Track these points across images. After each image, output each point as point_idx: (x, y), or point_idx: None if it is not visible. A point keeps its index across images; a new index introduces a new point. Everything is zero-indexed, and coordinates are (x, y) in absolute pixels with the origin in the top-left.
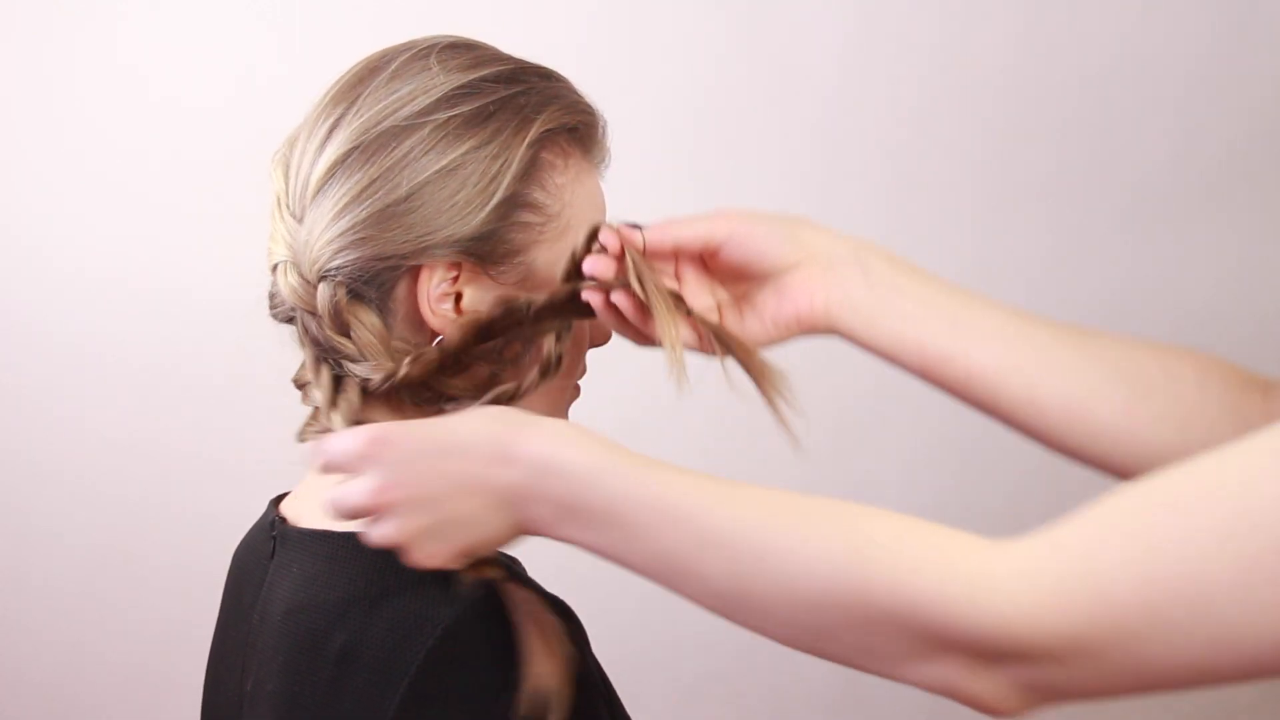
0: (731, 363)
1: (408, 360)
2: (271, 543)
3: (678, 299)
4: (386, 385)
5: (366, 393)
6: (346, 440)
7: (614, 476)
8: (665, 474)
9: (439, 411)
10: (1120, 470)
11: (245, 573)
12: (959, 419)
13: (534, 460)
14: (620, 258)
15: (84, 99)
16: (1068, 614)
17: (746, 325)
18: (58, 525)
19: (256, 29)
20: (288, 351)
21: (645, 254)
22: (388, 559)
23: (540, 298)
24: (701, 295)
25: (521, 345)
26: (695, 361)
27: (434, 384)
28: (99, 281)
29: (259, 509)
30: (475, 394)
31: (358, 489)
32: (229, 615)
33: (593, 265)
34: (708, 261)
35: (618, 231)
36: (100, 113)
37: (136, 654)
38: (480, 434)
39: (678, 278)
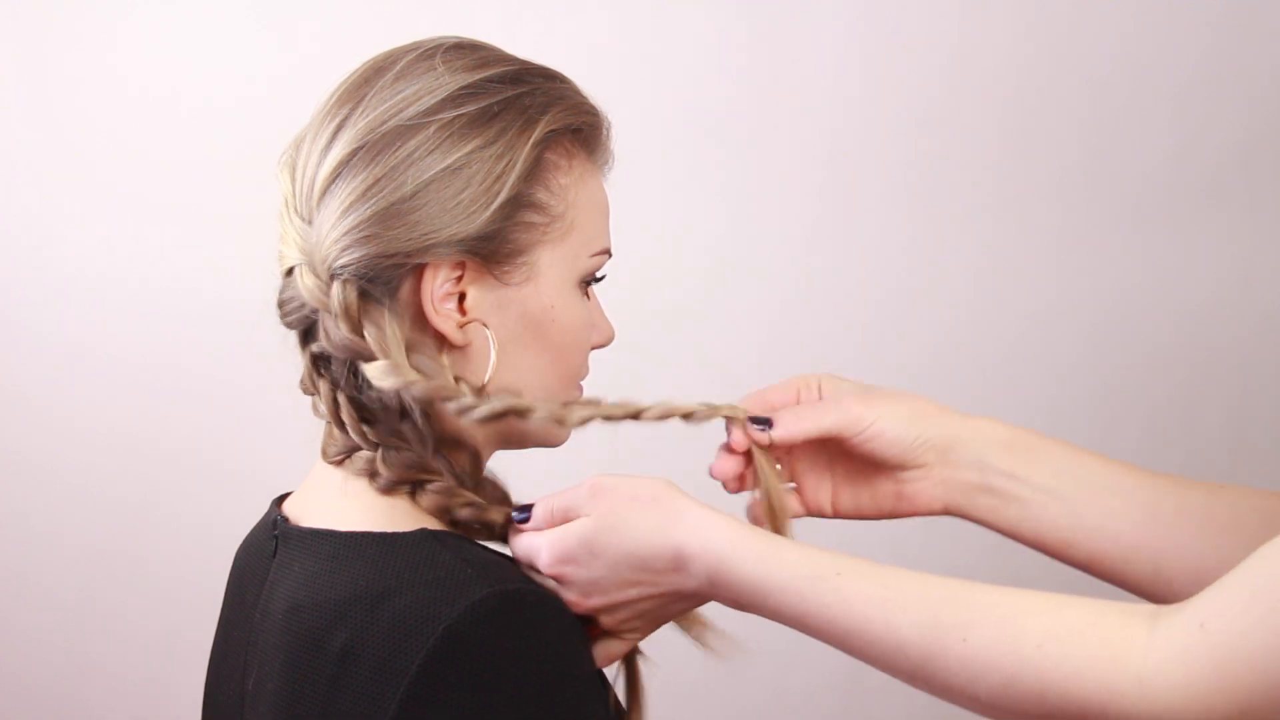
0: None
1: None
2: (273, 542)
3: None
4: (386, 481)
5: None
6: (542, 555)
7: (782, 594)
8: (833, 587)
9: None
10: None
11: (247, 571)
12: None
13: (706, 568)
14: (748, 458)
15: (83, 99)
16: (1229, 695)
17: (858, 499)
18: (57, 527)
19: (257, 31)
20: (288, 354)
21: (772, 447)
22: (389, 558)
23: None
24: (820, 483)
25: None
26: (687, 361)
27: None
28: (99, 283)
29: (258, 512)
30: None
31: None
32: (231, 614)
33: (722, 468)
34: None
35: (746, 432)
36: (99, 113)
37: (136, 657)
38: (651, 545)
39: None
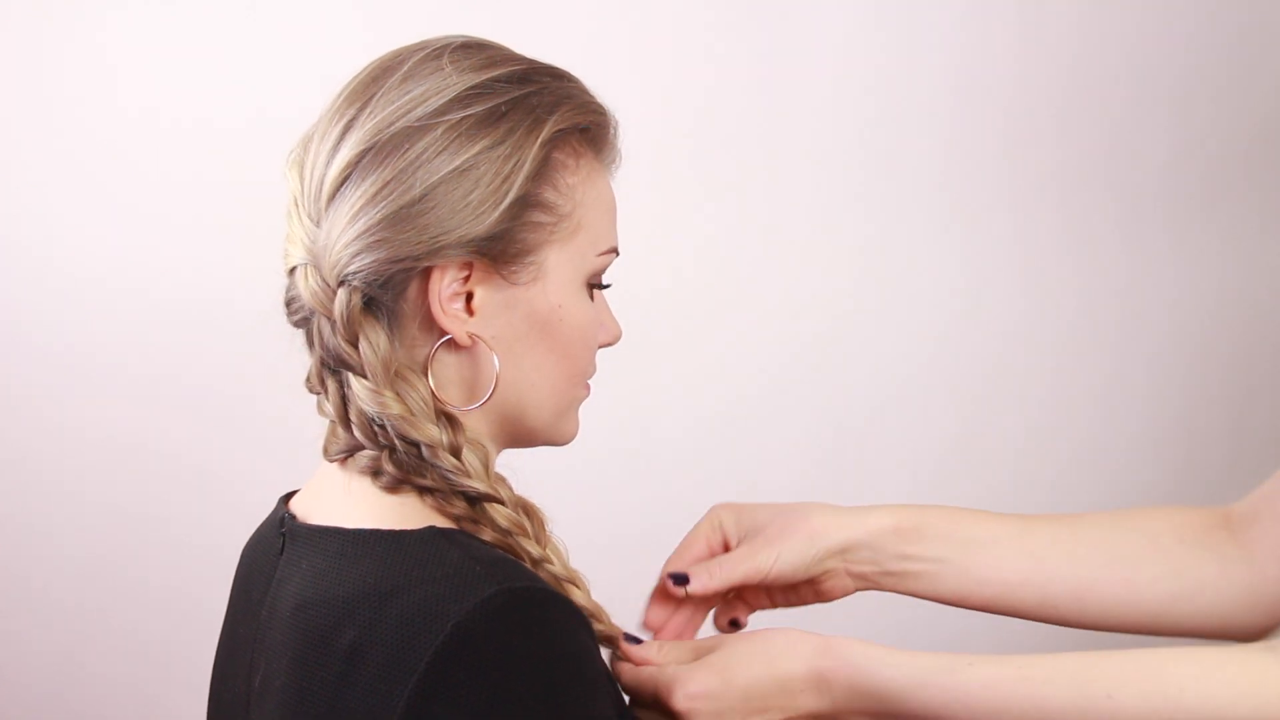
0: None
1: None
2: (281, 539)
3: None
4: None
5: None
6: (659, 689)
7: (924, 689)
8: (973, 675)
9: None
10: (1140, 628)
11: (254, 569)
12: (957, 418)
13: (845, 687)
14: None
15: (83, 109)
16: None
17: (789, 600)
18: (55, 533)
19: (255, 41)
20: (287, 359)
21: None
22: (397, 555)
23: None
24: (756, 591)
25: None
26: (694, 359)
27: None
28: (98, 290)
29: (254, 517)
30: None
31: None
32: (237, 611)
33: (654, 618)
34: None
35: (671, 587)
36: (99, 123)
37: (134, 662)
38: (787, 669)
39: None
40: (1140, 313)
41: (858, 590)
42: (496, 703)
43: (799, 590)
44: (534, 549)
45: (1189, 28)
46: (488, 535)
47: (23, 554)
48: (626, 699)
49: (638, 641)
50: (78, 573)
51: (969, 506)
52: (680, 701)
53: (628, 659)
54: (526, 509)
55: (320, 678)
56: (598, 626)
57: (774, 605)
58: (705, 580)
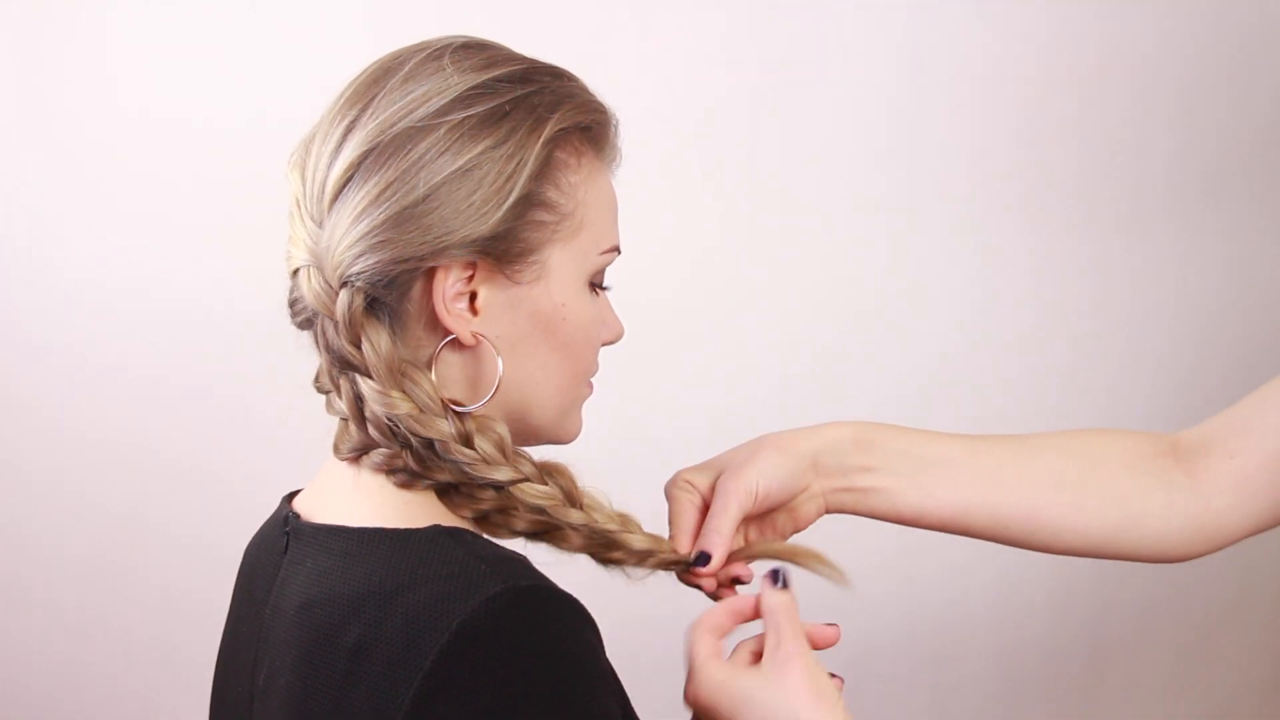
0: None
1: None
2: (285, 538)
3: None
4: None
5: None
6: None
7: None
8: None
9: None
10: (1088, 551)
11: (257, 568)
12: (956, 422)
13: None
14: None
15: (81, 110)
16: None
17: (765, 536)
18: (54, 535)
19: (255, 42)
20: (288, 359)
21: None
22: (402, 554)
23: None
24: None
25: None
26: (693, 358)
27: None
28: (97, 291)
29: (254, 518)
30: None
31: None
32: (240, 610)
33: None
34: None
35: (692, 570)
36: (98, 124)
37: (133, 664)
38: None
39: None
40: (1140, 312)
41: (827, 512)
42: (502, 701)
43: (776, 519)
44: (576, 516)
45: (1195, 27)
46: (521, 524)
47: (23, 554)
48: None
49: (706, 561)
50: (78, 573)
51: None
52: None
53: (696, 580)
54: (553, 471)
55: (325, 676)
56: (662, 555)
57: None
58: (715, 540)
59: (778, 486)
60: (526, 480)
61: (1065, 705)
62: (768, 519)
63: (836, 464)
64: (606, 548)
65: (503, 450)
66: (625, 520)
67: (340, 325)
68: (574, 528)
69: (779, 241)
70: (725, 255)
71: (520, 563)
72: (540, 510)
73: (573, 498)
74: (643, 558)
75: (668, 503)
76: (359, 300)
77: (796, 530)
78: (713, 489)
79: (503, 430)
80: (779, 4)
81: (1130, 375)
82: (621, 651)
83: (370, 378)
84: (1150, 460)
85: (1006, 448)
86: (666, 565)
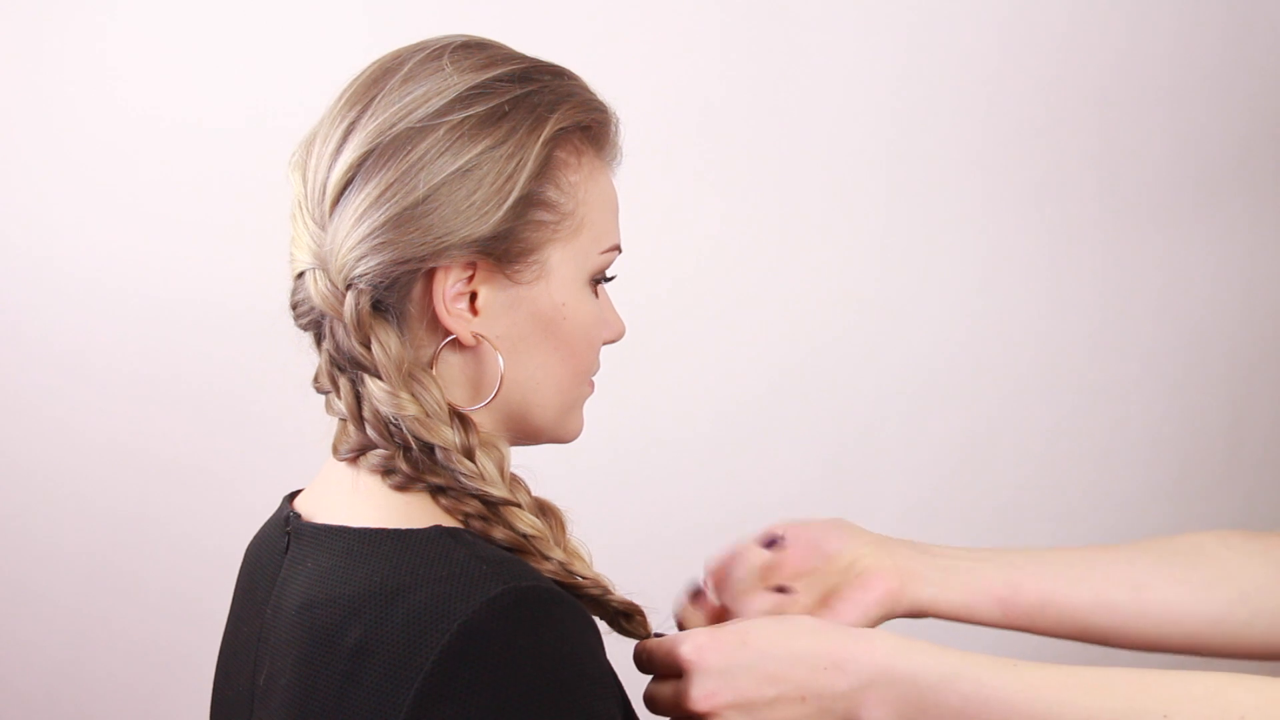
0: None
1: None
2: (286, 538)
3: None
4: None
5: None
6: (668, 646)
7: (968, 682)
8: (1015, 675)
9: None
10: (1201, 639)
11: (258, 568)
12: (956, 421)
13: (873, 669)
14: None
15: (81, 108)
16: None
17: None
18: (53, 535)
19: (254, 40)
20: (289, 359)
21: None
22: (403, 554)
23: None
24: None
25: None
26: (703, 358)
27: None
28: (96, 291)
29: (253, 518)
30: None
31: (683, 692)
32: (241, 610)
33: (690, 618)
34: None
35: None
36: (98, 123)
37: (133, 664)
38: (810, 645)
39: None
40: (1139, 312)
41: (907, 609)
42: (503, 702)
43: (844, 592)
44: (557, 555)
45: (1188, 28)
46: (500, 534)
47: (23, 555)
48: (644, 691)
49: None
50: (78, 573)
51: (961, 501)
52: (688, 651)
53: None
54: (545, 510)
55: (326, 676)
56: (632, 625)
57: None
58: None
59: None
60: (517, 506)
61: None
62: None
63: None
64: (575, 595)
65: (501, 471)
66: (601, 579)
67: (350, 327)
68: (549, 568)
69: (781, 239)
70: (727, 254)
71: (521, 564)
72: (525, 538)
73: (558, 540)
74: (615, 618)
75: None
76: (365, 302)
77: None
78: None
79: (505, 450)
80: (780, 1)
81: (1129, 374)
82: (624, 651)
83: (380, 379)
84: (1250, 540)
85: (1095, 551)
86: (633, 636)
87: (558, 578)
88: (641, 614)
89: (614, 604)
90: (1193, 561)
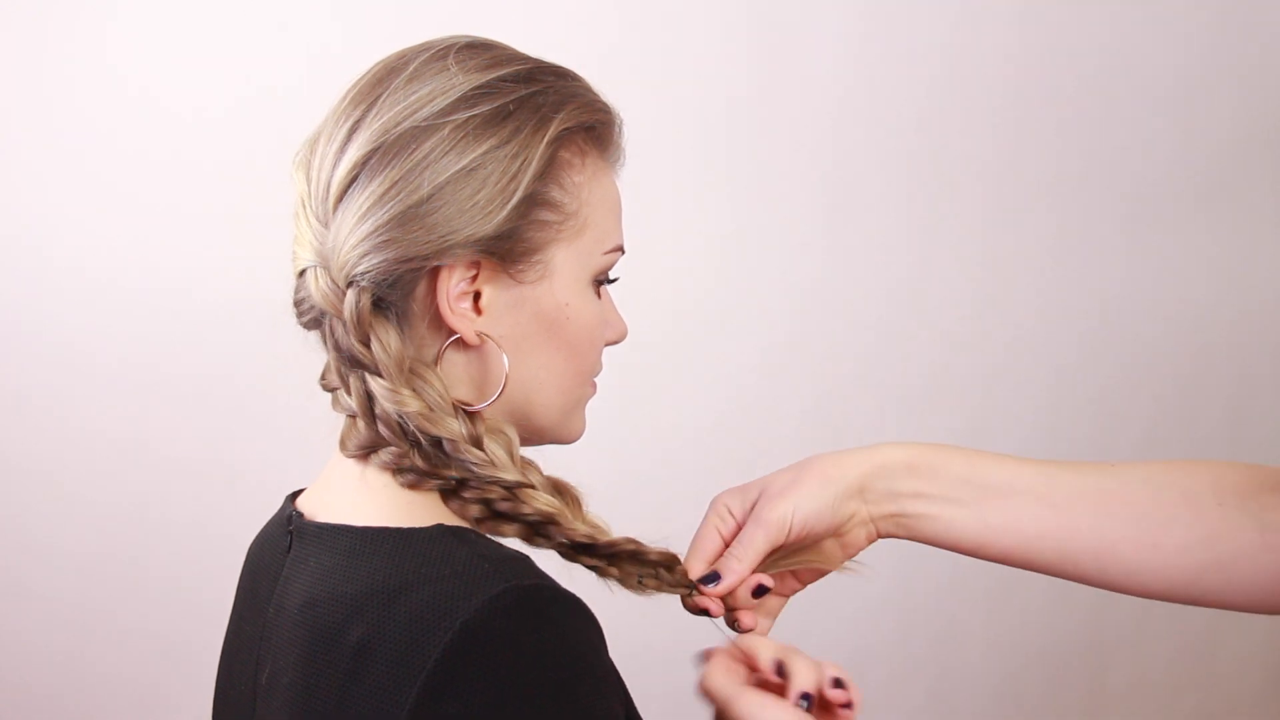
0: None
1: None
2: (288, 537)
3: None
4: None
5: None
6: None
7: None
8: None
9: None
10: (1165, 594)
11: (261, 566)
12: (956, 421)
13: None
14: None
15: (82, 100)
16: None
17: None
18: (55, 530)
19: (256, 32)
20: (292, 357)
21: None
22: (406, 553)
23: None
24: (782, 575)
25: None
26: (704, 358)
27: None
28: (97, 285)
29: (255, 515)
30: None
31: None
32: (243, 608)
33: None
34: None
35: (700, 594)
36: (99, 115)
37: (135, 661)
38: None
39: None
40: (1139, 312)
41: (880, 537)
42: (505, 700)
43: (824, 550)
44: (583, 528)
45: (1186, 29)
46: (528, 510)
47: (24, 554)
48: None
49: (714, 580)
50: (80, 572)
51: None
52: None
53: (702, 602)
54: (560, 489)
55: (328, 675)
56: (672, 576)
57: (803, 585)
58: (733, 566)
59: (815, 518)
60: (532, 487)
61: (1065, 705)
62: (818, 548)
63: (886, 489)
64: (610, 561)
65: (511, 455)
66: (632, 539)
67: (349, 325)
68: (579, 540)
69: (783, 240)
70: (728, 255)
71: (524, 562)
72: (548, 519)
73: (577, 515)
74: (656, 569)
75: (701, 523)
76: (366, 299)
77: (847, 557)
78: (749, 512)
79: (512, 435)
80: (785, 4)
81: (1129, 374)
82: (624, 651)
83: (380, 376)
84: (1247, 496)
85: (1085, 477)
86: (675, 586)
87: (592, 540)
88: (680, 562)
89: (653, 556)
90: (1171, 519)
